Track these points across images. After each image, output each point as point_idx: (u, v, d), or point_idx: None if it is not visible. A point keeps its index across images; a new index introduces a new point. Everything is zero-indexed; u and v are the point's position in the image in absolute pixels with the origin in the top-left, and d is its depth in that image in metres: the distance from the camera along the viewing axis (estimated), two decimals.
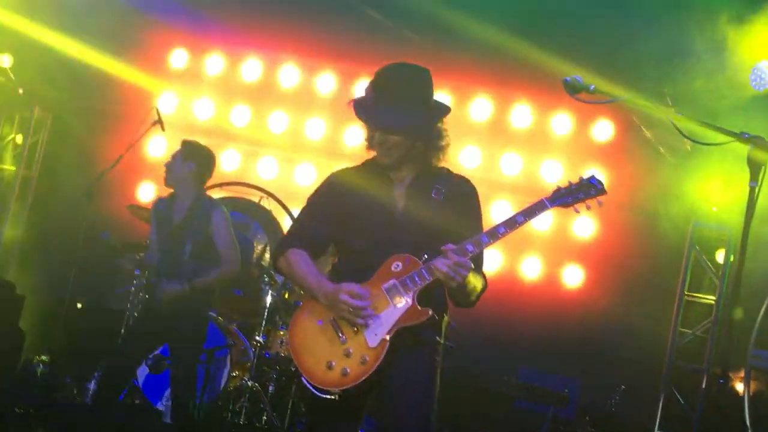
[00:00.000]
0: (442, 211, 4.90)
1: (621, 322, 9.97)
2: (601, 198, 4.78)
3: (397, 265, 4.77)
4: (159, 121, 9.77)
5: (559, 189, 4.79)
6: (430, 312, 4.70)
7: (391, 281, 4.75)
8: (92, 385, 9.14)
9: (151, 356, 8.76)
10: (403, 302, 4.71)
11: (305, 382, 4.72)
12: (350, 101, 4.99)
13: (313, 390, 4.70)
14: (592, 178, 4.80)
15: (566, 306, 10.44)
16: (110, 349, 9.46)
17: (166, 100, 12.18)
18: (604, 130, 11.20)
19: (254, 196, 11.33)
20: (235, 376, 9.06)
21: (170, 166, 8.04)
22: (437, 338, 4.88)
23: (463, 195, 5.04)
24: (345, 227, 4.98)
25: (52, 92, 11.95)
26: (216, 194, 11.21)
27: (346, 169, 5.20)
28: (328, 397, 4.68)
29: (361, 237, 4.93)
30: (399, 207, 4.95)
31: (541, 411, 8.56)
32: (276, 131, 12.19)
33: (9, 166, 12.15)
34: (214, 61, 12.37)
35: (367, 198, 4.98)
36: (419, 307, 4.70)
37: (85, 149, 11.90)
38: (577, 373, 9.50)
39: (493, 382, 8.79)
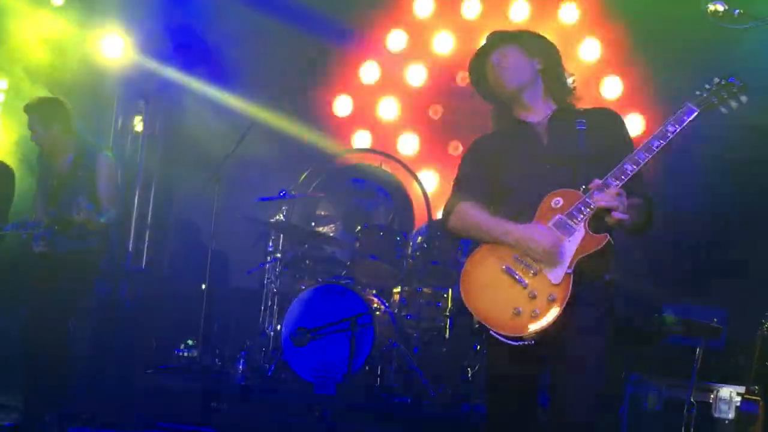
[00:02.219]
0: (588, 141, 4.85)
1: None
2: (744, 97, 4.65)
3: (558, 201, 4.73)
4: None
5: (699, 94, 4.68)
6: (608, 236, 4.65)
7: (557, 217, 4.71)
8: (241, 364, 9.27)
9: (295, 329, 8.92)
10: (575, 233, 4.65)
11: (495, 335, 4.67)
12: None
13: (506, 340, 4.66)
14: (731, 77, 4.64)
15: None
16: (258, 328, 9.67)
17: None
18: None
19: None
20: (381, 341, 9.12)
21: (37, 137, 8.01)
22: (610, 291, 4.81)
23: (608, 123, 5.01)
24: (500, 181, 4.95)
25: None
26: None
27: (485, 134, 5.24)
28: (524, 343, 4.64)
29: (513, 173, 4.91)
30: (543, 141, 4.95)
31: (691, 344, 8.44)
32: None
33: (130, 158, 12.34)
34: None
35: (512, 145, 4.99)
36: (593, 234, 4.65)
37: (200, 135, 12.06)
38: (723, 303, 9.34)
39: (634, 321, 8.70)
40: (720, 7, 4.20)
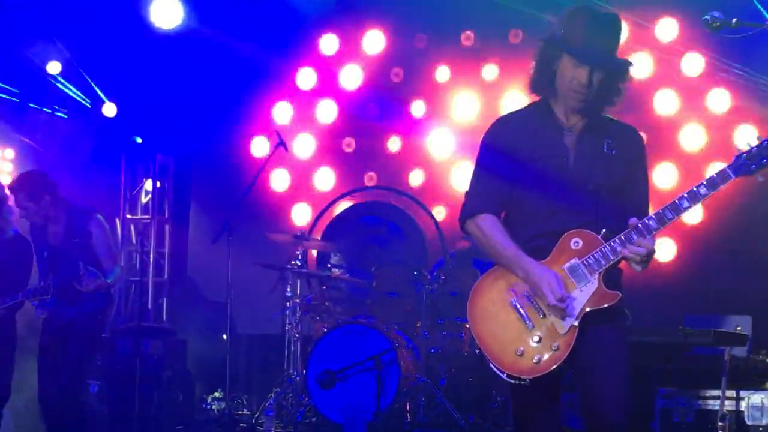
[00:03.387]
0: (614, 169, 4.72)
1: None
2: None
3: (577, 242, 4.61)
4: (282, 144, 9.90)
5: (740, 155, 4.48)
6: (620, 295, 4.56)
7: (574, 261, 4.60)
8: (270, 412, 9.26)
9: (320, 372, 8.95)
10: (589, 285, 4.57)
11: (493, 368, 4.64)
12: (542, 40, 4.81)
13: (501, 375, 4.64)
14: None
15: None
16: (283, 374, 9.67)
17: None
18: None
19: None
20: (407, 377, 9.12)
21: (28, 214, 7.96)
22: (624, 310, 4.72)
23: (633, 149, 4.85)
24: (515, 176, 4.80)
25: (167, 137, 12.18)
26: (344, 204, 11.42)
27: (512, 112, 5.04)
28: (518, 383, 4.61)
29: (531, 188, 4.76)
30: (571, 158, 4.76)
31: (717, 354, 8.41)
32: None
33: (142, 216, 12.39)
34: None
35: (535, 144, 4.79)
36: (607, 290, 4.56)
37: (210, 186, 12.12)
38: (747, 310, 9.30)
39: (659, 335, 8.67)
40: (717, 17, 4.21)
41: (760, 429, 7.97)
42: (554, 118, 4.83)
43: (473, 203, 4.89)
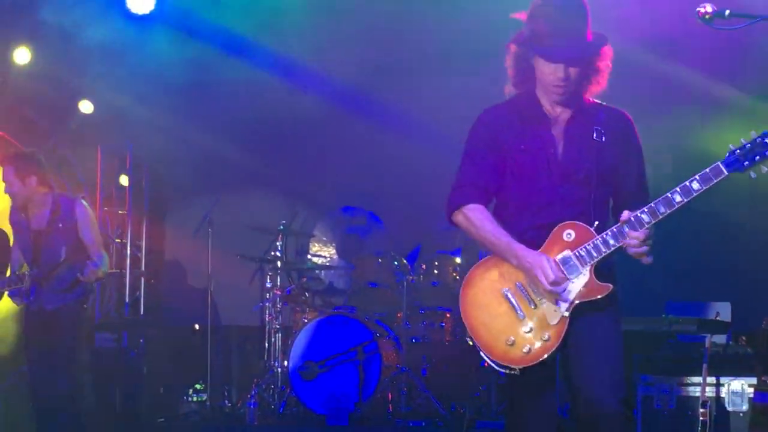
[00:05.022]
0: (604, 156, 4.70)
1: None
2: None
3: (569, 234, 4.59)
4: None
5: (733, 151, 4.42)
6: (611, 287, 4.56)
7: (566, 252, 4.59)
8: (252, 404, 9.25)
9: (302, 363, 8.96)
10: (580, 276, 4.56)
11: (484, 356, 4.66)
12: (511, 42, 4.79)
13: (493, 364, 4.66)
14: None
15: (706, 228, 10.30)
16: (262, 366, 9.66)
17: None
18: None
19: None
20: (389, 367, 9.13)
21: (12, 191, 7.91)
22: (616, 300, 4.70)
23: (623, 133, 4.81)
24: (503, 169, 4.79)
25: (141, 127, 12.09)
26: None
27: (497, 105, 4.95)
28: (509, 372, 4.64)
29: (525, 183, 4.75)
30: (559, 150, 4.74)
31: (698, 341, 8.47)
32: None
33: (119, 209, 12.31)
34: None
35: (524, 136, 4.77)
36: (598, 282, 4.56)
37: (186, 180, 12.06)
38: (726, 297, 9.36)
39: (641, 324, 8.71)
40: (709, 9, 4.21)
41: (741, 414, 8.02)
42: (540, 108, 4.80)
43: (461, 194, 4.86)
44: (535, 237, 4.67)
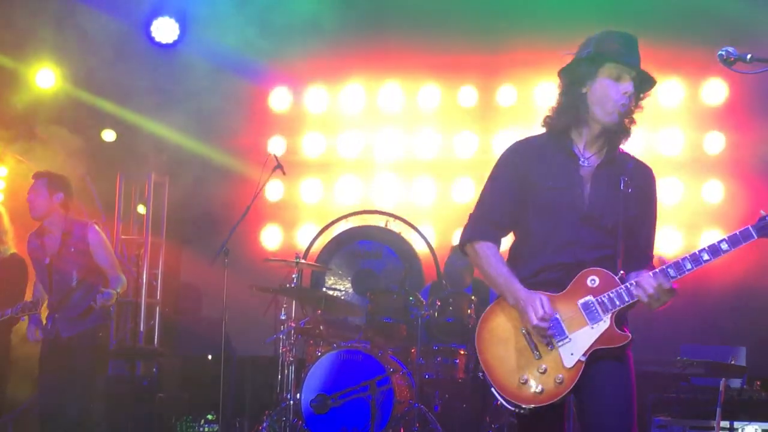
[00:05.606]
0: (629, 208, 4.72)
1: None
2: None
3: (594, 280, 4.63)
4: (279, 166, 9.89)
5: (764, 216, 4.53)
6: (630, 337, 4.60)
7: (588, 298, 4.62)
8: None
9: (314, 396, 8.93)
10: (600, 323, 4.58)
11: (495, 392, 4.68)
12: (570, 65, 4.79)
13: (503, 401, 4.67)
14: None
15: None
16: (275, 398, 9.64)
17: (275, 144, 12.28)
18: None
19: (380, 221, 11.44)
20: (401, 402, 9.10)
21: (36, 201, 8.02)
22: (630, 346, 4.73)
23: (646, 188, 4.86)
24: (527, 203, 4.81)
25: (162, 157, 12.15)
26: (342, 226, 11.41)
27: (529, 138, 4.98)
28: (517, 411, 4.65)
29: (543, 218, 4.77)
30: (585, 192, 4.75)
31: (712, 384, 8.44)
32: (387, 154, 12.20)
33: (136, 236, 12.34)
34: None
35: (550, 172, 4.78)
36: (618, 331, 4.59)
37: (207, 207, 12.09)
38: (742, 342, 9.33)
39: (656, 365, 8.69)
40: (732, 53, 4.22)
41: None
42: (571, 147, 4.81)
43: (475, 228, 4.91)
44: (554, 277, 4.70)
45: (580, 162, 4.79)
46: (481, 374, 4.74)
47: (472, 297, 9.66)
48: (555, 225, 4.74)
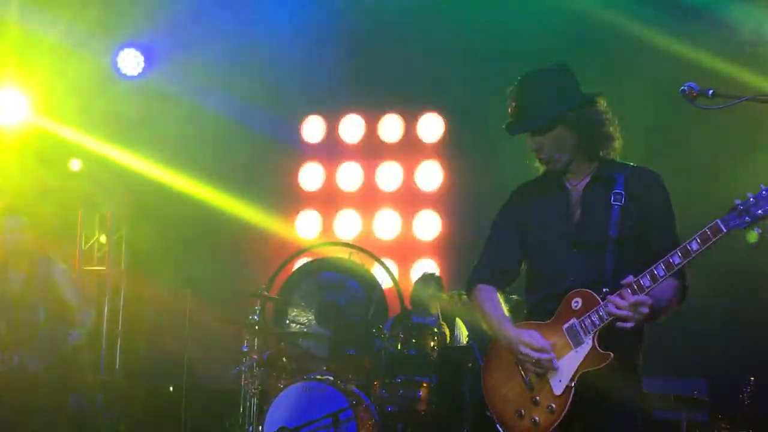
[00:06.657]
0: (622, 219, 4.64)
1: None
2: None
3: (577, 302, 4.60)
4: None
5: (736, 206, 4.19)
6: (612, 356, 4.48)
7: (572, 321, 4.60)
8: None
9: (277, 429, 8.88)
10: (583, 345, 4.54)
11: (499, 428, 4.78)
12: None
13: None
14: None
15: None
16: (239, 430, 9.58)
17: None
18: None
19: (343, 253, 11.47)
20: None
21: (12, 239, 7.88)
22: (632, 383, 4.74)
23: (645, 192, 4.71)
24: (527, 245, 4.88)
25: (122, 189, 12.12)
26: (305, 258, 11.41)
27: (528, 181, 5.03)
28: None
29: (542, 255, 4.82)
30: (575, 219, 4.75)
31: (674, 418, 8.44)
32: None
33: (98, 267, 12.27)
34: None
35: (542, 209, 4.85)
36: (599, 350, 4.50)
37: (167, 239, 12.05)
38: (703, 374, 9.35)
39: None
40: (694, 88, 4.26)
41: None
42: (563, 181, 4.84)
43: (476, 273, 5.04)
44: (550, 308, 4.72)
45: (569, 189, 4.82)
46: (488, 413, 4.82)
47: (435, 329, 9.64)
48: (549, 258, 4.79)
